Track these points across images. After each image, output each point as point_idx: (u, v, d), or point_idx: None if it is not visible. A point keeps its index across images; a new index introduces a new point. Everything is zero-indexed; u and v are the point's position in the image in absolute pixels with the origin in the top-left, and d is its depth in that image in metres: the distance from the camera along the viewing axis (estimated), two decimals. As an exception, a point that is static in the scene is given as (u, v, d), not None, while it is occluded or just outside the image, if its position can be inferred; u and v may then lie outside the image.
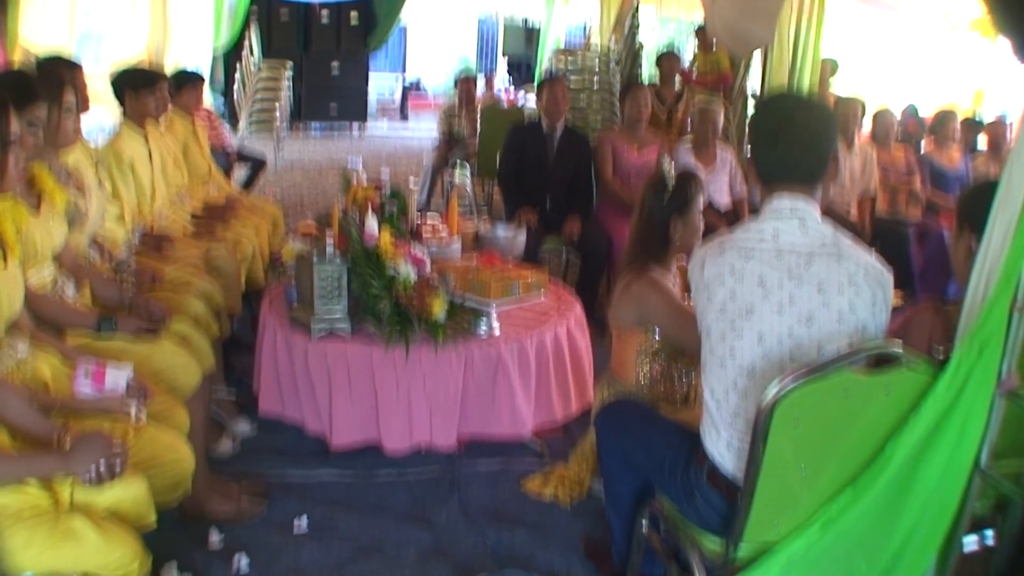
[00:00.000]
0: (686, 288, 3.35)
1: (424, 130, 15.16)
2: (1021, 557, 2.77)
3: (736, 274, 2.37)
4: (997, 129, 8.02)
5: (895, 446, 2.21)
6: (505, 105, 12.10)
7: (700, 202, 3.43)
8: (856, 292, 2.30)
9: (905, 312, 2.77)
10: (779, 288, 2.32)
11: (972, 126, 8.64)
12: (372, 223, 3.75)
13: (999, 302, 2.17)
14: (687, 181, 3.44)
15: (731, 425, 2.40)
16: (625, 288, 3.40)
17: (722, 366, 2.40)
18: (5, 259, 2.70)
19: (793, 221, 2.38)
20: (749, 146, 2.63)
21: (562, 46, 12.27)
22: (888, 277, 2.37)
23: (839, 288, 2.30)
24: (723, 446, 2.43)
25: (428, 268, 3.73)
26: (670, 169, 3.47)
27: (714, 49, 9.49)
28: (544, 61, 11.90)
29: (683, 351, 3.32)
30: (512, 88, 18.78)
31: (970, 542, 2.72)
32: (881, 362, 2.25)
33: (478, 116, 8.98)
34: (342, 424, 3.71)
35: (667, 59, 8.96)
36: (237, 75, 13.18)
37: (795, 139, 2.41)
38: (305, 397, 3.74)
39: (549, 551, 3.42)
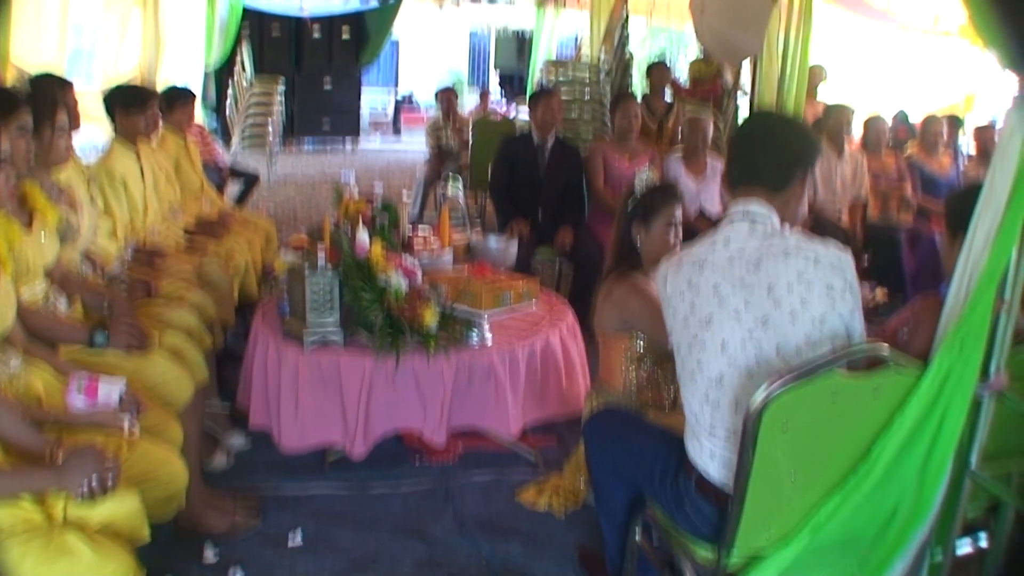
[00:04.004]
0: None
1: (417, 144, 15.19)
2: (1014, 559, 2.78)
3: (693, 287, 2.40)
4: (987, 134, 8.05)
5: (881, 446, 2.22)
6: (498, 118, 12.14)
7: (670, 215, 3.42)
8: (807, 287, 2.30)
9: (913, 303, 2.78)
10: (733, 295, 2.33)
11: (954, 123, 8.64)
12: (363, 235, 3.76)
13: (981, 300, 2.19)
14: (655, 192, 3.46)
15: (711, 435, 2.40)
16: (607, 294, 3.42)
17: (693, 380, 2.42)
18: (-3, 275, 2.71)
19: (743, 224, 2.41)
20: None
21: (554, 58, 12.30)
22: (846, 259, 2.36)
23: (788, 287, 2.30)
24: (707, 456, 2.43)
25: (419, 279, 3.74)
26: (643, 180, 3.49)
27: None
28: (535, 73, 11.93)
29: (669, 355, 3.33)
30: (504, 100, 18.83)
31: (963, 545, 2.74)
32: (872, 363, 2.26)
33: (467, 128, 9.03)
34: (321, 429, 3.71)
35: (657, 70, 8.99)
36: (229, 91, 13.22)
37: (763, 145, 2.48)
38: (287, 406, 3.72)
39: (544, 561, 3.42)
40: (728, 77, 9.07)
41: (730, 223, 2.44)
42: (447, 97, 9.78)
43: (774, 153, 2.46)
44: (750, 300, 2.31)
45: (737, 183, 2.50)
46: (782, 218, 2.45)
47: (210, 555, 3.32)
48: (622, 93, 8.11)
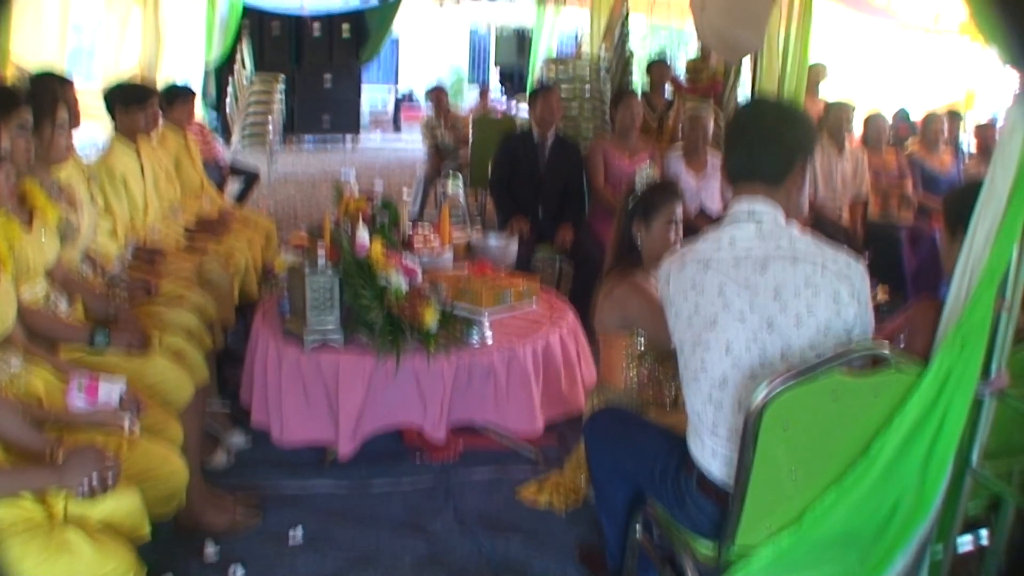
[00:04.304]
0: None
1: (417, 141, 15.09)
2: (1015, 556, 2.78)
3: (697, 287, 2.38)
4: (987, 132, 8.04)
5: (880, 444, 2.21)
6: (498, 115, 12.13)
7: (670, 213, 3.41)
8: (814, 293, 2.29)
9: (908, 308, 2.77)
10: (738, 297, 2.32)
11: (955, 118, 8.63)
12: (363, 234, 3.76)
13: (982, 299, 2.19)
14: (656, 190, 3.45)
15: (712, 434, 2.40)
16: (607, 293, 3.41)
17: (696, 380, 2.41)
18: (-2, 275, 2.71)
19: (750, 225, 2.39)
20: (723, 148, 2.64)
21: (554, 55, 12.28)
22: (856, 268, 2.36)
23: (795, 291, 2.29)
24: (708, 454, 2.43)
25: (420, 278, 3.74)
26: (643, 177, 3.48)
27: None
28: (535, 70, 11.92)
29: (669, 354, 3.32)
30: (504, 98, 18.81)
31: (964, 542, 2.74)
32: (874, 362, 2.25)
33: (463, 125, 9.03)
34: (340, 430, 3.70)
35: (657, 67, 8.98)
36: (229, 89, 13.21)
37: (759, 138, 2.43)
38: (290, 406, 3.73)
39: (544, 558, 3.42)
40: (713, 62, 9.08)
41: (735, 223, 2.42)
42: (437, 96, 9.82)
43: (770, 144, 2.42)
44: (755, 302, 2.30)
45: (736, 178, 2.48)
46: (785, 211, 2.43)
47: (211, 553, 3.33)
48: (624, 90, 8.09)
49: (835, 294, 2.30)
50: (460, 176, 6.15)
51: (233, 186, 8.56)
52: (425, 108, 11.08)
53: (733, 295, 2.32)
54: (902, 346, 2.61)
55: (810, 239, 2.39)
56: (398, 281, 3.62)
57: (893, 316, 2.60)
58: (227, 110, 13.36)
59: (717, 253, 2.39)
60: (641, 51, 12.99)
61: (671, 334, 2.51)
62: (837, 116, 6.96)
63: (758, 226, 2.38)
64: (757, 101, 3.04)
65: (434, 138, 9.47)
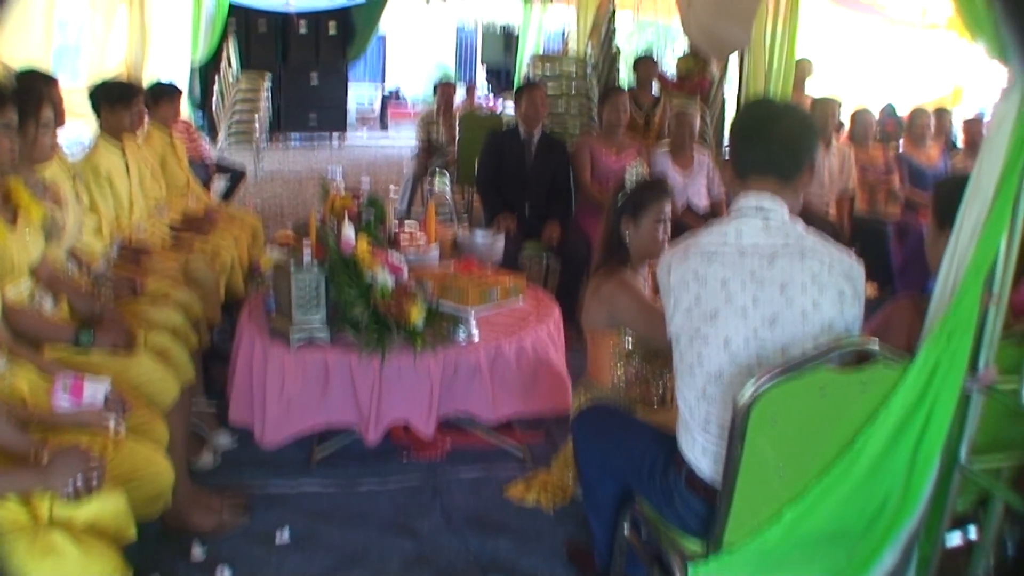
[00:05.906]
0: (656, 290, 3.35)
1: (404, 139, 15.18)
2: (1003, 552, 2.78)
3: (700, 279, 2.36)
4: (975, 127, 8.06)
5: (865, 438, 2.21)
6: (485, 112, 12.11)
7: (659, 211, 3.40)
8: (820, 290, 2.29)
9: (885, 308, 2.76)
10: (742, 291, 2.31)
11: (944, 113, 8.64)
12: (349, 231, 3.75)
13: (968, 293, 2.19)
14: (645, 188, 3.44)
15: (704, 430, 2.39)
16: (595, 291, 3.40)
17: (691, 373, 2.40)
18: (-20, 274, 2.70)
19: (756, 220, 2.38)
20: (727, 146, 2.64)
21: (540, 52, 12.29)
22: (858, 270, 2.36)
23: (802, 287, 2.29)
24: (699, 451, 2.42)
25: (406, 275, 3.72)
26: (632, 174, 3.47)
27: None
28: (522, 67, 11.92)
29: (657, 352, 3.32)
30: (491, 95, 18.80)
31: (953, 537, 2.73)
32: (861, 359, 2.25)
33: (456, 123, 8.98)
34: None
35: (644, 64, 8.97)
36: (216, 87, 13.19)
37: (774, 135, 2.43)
38: (272, 403, 3.70)
39: (532, 557, 3.42)
40: (715, 70, 9.08)
41: (741, 217, 2.41)
42: (446, 91, 9.70)
43: (782, 144, 2.41)
44: (759, 297, 2.30)
45: (749, 172, 2.45)
46: (790, 208, 2.43)
47: (198, 553, 3.31)
48: (611, 87, 8.09)
49: (840, 293, 2.31)
50: (447, 173, 6.13)
51: (219, 184, 8.54)
52: (416, 104, 11.01)
53: (737, 288, 2.31)
54: None
55: (816, 237, 2.38)
56: (384, 278, 3.61)
57: (873, 314, 2.59)
58: (213, 108, 13.34)
59: (723, 247, 2.37)
60: (628, 48, 13.00)
61: (667, 323, 2.48)
62: (823, 112, 6.96)
63: (765, 221, 2.37)
64: (768, 101, 3.05)
65: (428, 133, 9.41)
